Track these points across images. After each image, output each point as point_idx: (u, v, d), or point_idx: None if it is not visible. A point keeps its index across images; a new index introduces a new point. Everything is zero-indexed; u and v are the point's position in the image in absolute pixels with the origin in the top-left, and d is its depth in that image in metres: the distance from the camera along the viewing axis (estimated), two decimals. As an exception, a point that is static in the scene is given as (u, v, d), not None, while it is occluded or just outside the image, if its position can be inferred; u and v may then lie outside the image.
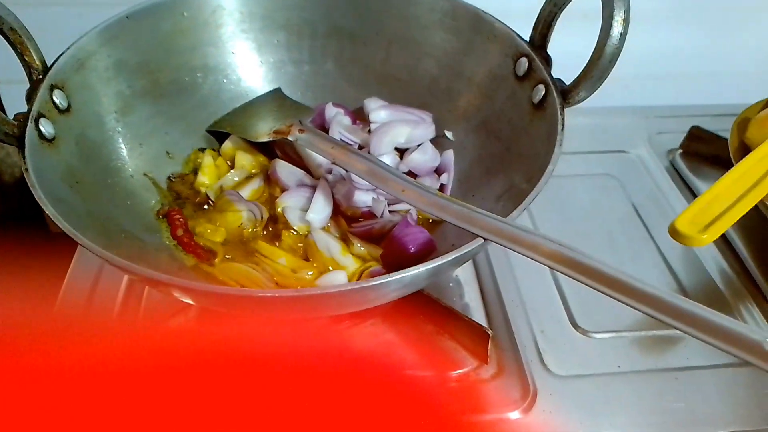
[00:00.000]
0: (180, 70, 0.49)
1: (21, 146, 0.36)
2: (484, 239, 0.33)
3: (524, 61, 0.44)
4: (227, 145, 0.49)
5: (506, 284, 0.47)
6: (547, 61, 0.44)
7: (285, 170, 0.46)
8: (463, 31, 0.49)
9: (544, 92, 0.42)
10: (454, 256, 0.32)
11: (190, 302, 0.36)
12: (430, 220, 0.45)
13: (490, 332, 0.40)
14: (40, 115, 0.38)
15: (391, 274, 0.31)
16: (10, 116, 0.37)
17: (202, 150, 0.49)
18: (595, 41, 0.38)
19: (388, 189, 0.39)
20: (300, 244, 0.43)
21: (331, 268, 0.42)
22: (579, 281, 0.31)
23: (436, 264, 0.31)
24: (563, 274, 0.31)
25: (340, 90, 0.53)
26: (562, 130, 0.39)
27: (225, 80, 0.51)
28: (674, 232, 0.40)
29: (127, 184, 0.44)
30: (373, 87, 0.53)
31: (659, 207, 0.55)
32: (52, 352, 0.20)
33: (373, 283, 0.31)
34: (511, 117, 0.45)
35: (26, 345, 0.20)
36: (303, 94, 0.53)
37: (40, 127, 0.38)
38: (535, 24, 0.44)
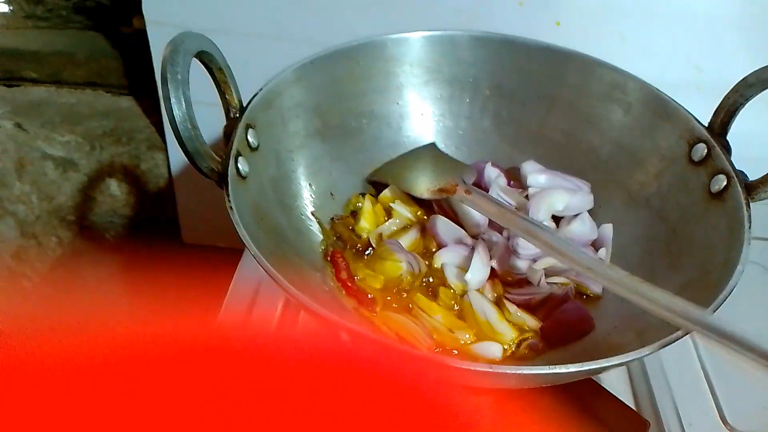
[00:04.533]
0: (348, 114, 0.51)
1: (224, 183, 0.38)
2: (688, 331, 0.32)
3: (702, 147, 0.44)
4: (386, 193, 0.50)
5: (654, 369, 0.46)
6: (728, 149, 0.43)
7: (444, 226, 0.47)
8: (634, 106, 0.49)
9: (725, 183, 0.41)
10: (647, 352, 0.31)
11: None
12: (585, 296, 0.45)
13: (648, 421, 0.39)
14: (238, 153, 0.40)
15: (582, 364, 0.31)
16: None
17: (362, 195, 0.50)
18: None
19: (564, 261, 0.39)
20: (454, 303, 0.44)
21: (486, 332, 0.42)
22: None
23: (631, 358, 0.31)
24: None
25: (493, 147, 0.54)
26: (750, 228, 0.38)
27: (387, 128, 0.53)
28: None
29: (298, 223, 0.46)
30: (528, 147, 0.53)
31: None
32: (212, 367, 0.21)
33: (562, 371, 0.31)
34: (681, 201, 0.44)
35: (187, 359, 0.21)
36: (458, 149, 0.54)
37: (239, 165, 0.40)
38: (716, 110, 0.44)
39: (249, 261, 0.51)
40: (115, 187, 0.73)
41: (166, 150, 0.70)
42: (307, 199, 0.48)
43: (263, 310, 0.48)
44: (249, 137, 0.42)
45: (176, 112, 0.35)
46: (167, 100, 0.35)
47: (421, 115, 0.54)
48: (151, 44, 0.63)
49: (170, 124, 0.36)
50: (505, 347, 0.41)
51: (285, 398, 0.20)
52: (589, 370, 0.31)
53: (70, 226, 0.76)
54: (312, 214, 0.47)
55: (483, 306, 0.43)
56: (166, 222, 0.74)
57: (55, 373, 0.18)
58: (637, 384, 0.45)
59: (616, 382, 0.45)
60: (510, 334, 0.42)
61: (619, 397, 0.42)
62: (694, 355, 0.47)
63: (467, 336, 0.42)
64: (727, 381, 0.45)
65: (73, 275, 0.77)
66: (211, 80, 0.42)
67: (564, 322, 0.41)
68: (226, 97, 0.42)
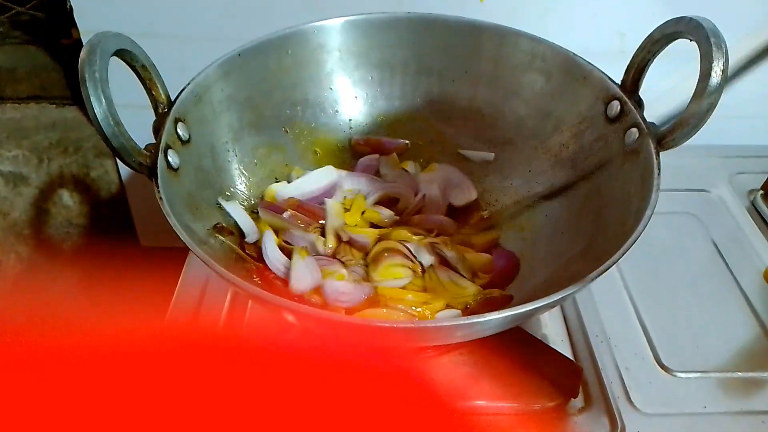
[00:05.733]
0: (282, 103, 0.53)
1: (153, 176, 0.40)
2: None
3: (616, 104, 0.46)
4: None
5: (590, 318, 0.48)
6: (640, 104, 0.45)
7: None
8: (553, 73, 0.50)
9: (637, 136, 0.43)
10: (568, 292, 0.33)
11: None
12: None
13: (582, 367, 0.41)
14: (168, 146, 0.41)
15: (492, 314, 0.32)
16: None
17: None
18: (680, 79, 0.39)
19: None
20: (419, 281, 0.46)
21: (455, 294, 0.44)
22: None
23: (547, 302, 0.33)
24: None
25: (428, 125, 0.56)
26: (659, 174, 0.40)
27: (322, 114, 0.54)
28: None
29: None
30: (460, 122, 0.55)
31: (741, 248, 0.55)
32: (161, 363, 0.22)
33: (477, 320, 0.33)
34: (601, 158, 0.46)
35: (136, 355, 0.22)
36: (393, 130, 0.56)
37: (168, 158, 0.41)
38: (627, 68, 0.46)
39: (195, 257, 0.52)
40: (67, 198, 0.73)
41: (114, 156, 0.70)
42: (244, 187, 0.49)
43: (211, 304, 0.50)
44: (179, 130, 0.43)
45: (97, 110, 0.36)
46: (87, 99, 0.36)
47: (354, 98, 0.55)
48: (86, 52, 0.63)
49: (93, 122, 0.37)
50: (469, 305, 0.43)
51: (235, 389, 0.21)
52: (512, 315, 0.33)
53: (27, 240, 0.76)
54: (246, 203, 0.49)
55: (441, 273, 0.45)
56: (122, 227, 0.75)
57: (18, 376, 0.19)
58: (574, 332, 0.47)
59: (553, 333, 0.47)
60: (472, 288, 0.44)
61: (554, 347, 0.44)
62: (629, 302, 0.49)
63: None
64: (660, 323, 0.48)
65: (35, 289, 0.77)
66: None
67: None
68: (153, 93, 0.43)
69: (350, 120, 0.55)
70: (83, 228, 0.75)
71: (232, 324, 0.48)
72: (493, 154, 0.54)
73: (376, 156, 0.55)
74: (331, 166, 0.53)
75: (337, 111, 0.55)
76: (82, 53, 0.37)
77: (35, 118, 0.73)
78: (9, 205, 0.73)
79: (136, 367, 0.21)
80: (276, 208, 0.49)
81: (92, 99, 0.36)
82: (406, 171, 0.54)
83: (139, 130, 0.41)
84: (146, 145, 0.41)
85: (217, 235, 0.44)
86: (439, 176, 0.53)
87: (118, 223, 0.75)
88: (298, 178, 0.52)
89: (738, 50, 0.62)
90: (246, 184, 0.49)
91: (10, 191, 0.72)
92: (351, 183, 0.52)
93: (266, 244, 0.46)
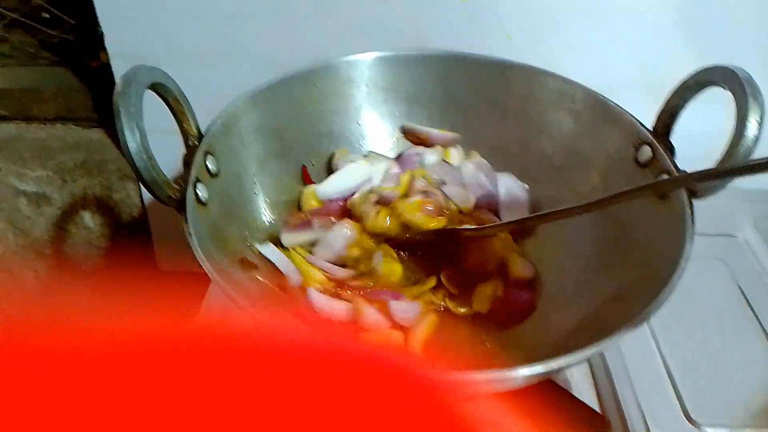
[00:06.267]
0: (308, 135, 0.53)
1: (182, 210, 0.39)
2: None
3: (647, 149, 0.45)
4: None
5: (615, 364, 0.47)
6: (671, 150, 0.45)
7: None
8: (582, 114, 0.50)
9: (669, 183, 0.43)
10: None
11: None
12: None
13: (610, 422, 0.40)
14: (197, 180, 0.42)
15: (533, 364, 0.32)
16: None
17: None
18: (714, 125, 0.39)
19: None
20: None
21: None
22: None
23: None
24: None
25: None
26: (693, 224, 0.39)
27: (347, 146, 0.54)
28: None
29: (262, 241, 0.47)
30: (486, 158, 0.55)
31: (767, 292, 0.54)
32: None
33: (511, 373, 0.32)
34: (630, 202, 0.46)
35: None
36: (418, 163, 0.56)
37: (198, 192, 0.41)
38: (659, 113, 0.45)
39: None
40: (89, 219, 0.74)
41: (137, 180, 0.71)
42: (267, 219, 0.49)
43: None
44: (208, 164, 0.43)
45: (130, 143, 0.36)
46: (121, 132, 0.36)
47: (380, 133, 0.55)
48: (115, 77, 0.64)
49: (125, 156, 0.37)
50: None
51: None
52: (540, 372, 0.32)
53: (47, 259, 0.76)
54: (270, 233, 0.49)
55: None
56: (141, 250, 0.75)
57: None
58: (600, 382, 0.46)
59: (578, 381, 0.46)
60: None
61: (579, 395, 0.44)
62: (656, 350, 0.48)
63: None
64: (690, 376, 0.47)
65: (51, 307, 0.77)
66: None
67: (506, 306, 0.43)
68: (184, 125, 0.44)
69: (375, 154, 0.55)
70: (103, 249, 0.75)
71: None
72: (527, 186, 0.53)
73: (421, 148, 0.54)
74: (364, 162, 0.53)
75: (361, 145, 0.55)
76: (116, 86, 0.37)
77: (60, 139, 0.74)
78: (30, 224, 0.74)
79: (148, 380, 0.21)
80: (303, 224, 0.49)
81: (126, 132, 0.36)
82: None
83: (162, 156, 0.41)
84: (176, 179, 0.41)
85: (244, 269, 0.44)
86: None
87: (138, 245, 0.75)
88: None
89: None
90: (270, 215, 0.49)
91: (33, 210, 0.73)
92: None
93: (313, 296, 0.45)
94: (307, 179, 0.52)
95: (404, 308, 0.43)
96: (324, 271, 0.46)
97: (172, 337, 0.23)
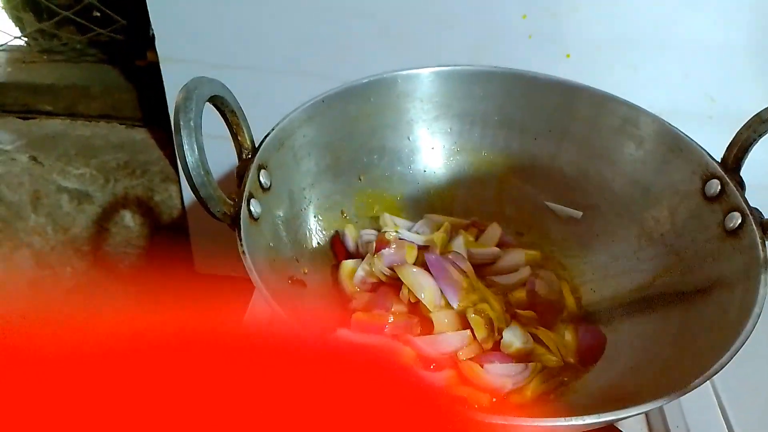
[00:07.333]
0: (359, 150, 0.52)
1: (236, 226, 0.39)
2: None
3: (715, 183, 0.43)
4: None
5: (672, 413, 0.45)
6: (742, 185, 0.42)
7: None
8: (645, 141, 0.48)
9: (740, 221, 0.41)
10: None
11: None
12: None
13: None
14: (251, 195, 0.41)
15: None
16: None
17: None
18: None
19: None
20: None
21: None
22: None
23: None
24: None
25: (506, 180, 0.54)
26: (767, 268, 0.37)
27: (398, 162, 0.53)
28: None
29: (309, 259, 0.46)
30: (540, 181, 0.53)
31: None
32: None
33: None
34: (696, 238, 0.44)
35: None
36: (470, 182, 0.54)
37: (251, 207, 0.40)
38: (729, 146, 0.43)
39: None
40: (129, 219, 0.74)
41: (179, 182, 0.71)
42: (319, 234, 0.48)
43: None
44: (261, 178, 0.42)
45: (189, 158, 0.35)
46: (180, 146, 0.35)
47: (431, 149, 0.54)
48: (164, 80, 0.63)
49: (183, 170, 0.36)
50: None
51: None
52: (606, 421, 0.31)
53: (85, 256, 0.76)
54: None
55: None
56: (179, 252, 0.75)
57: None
58: (655, 426, 0.44)
59: (633, 424, 0.44)
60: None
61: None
62: (714, 400, 0.46)
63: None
64: (749, 422, 0.45)
65: (87, 303, 0.78)
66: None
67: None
68: (239, 138, 0.43)
69: (425, 171, 0.54)
70: (141, 249, 0.75)
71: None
72: (581, 212, 0.51)
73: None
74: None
75: (413, 161, 0.54)
76: (177, 98, 0.36)
77: (104, 138, 0.74)
78: (71, 221, 0.74)
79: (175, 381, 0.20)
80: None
81: (185, 147, 0.35)
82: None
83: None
84: (230, 194, 0.41)
85: (293, 287, 0.43)
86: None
87: (176, 247, 0.75)
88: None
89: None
90: (320, 231, 0.48)
91: (74, 208, 0.73)
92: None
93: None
94: (339, 250, 0.50)
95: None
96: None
97: (212, 341, 0.22)
